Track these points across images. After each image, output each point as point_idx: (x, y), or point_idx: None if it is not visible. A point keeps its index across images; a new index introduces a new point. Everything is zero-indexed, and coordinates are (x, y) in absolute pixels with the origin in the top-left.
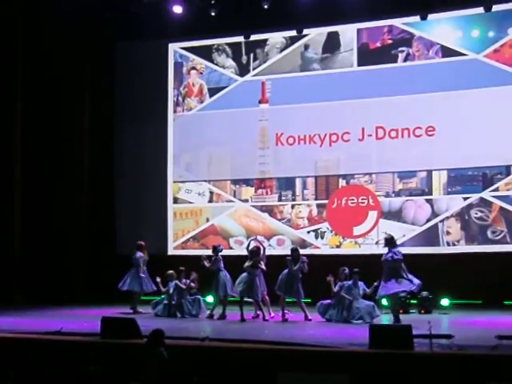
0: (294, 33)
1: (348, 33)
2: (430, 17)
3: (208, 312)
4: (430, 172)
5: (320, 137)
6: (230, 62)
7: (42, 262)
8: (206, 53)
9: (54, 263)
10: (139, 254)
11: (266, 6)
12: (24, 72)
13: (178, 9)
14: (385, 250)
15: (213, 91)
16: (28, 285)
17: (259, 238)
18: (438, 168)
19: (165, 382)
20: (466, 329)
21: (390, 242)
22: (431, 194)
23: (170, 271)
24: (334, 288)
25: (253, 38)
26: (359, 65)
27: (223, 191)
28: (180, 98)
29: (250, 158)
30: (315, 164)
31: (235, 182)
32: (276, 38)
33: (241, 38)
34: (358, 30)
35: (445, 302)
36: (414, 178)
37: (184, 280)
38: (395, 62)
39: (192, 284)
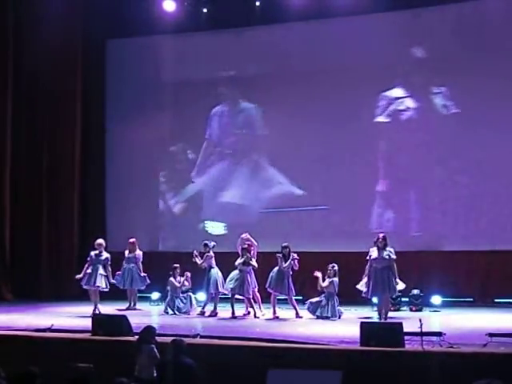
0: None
1: None
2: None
3: (199, 309)
4: None
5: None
6: None
7: (32, 259)
8: None
9: (45, 260)
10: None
11: (257, 3)
12: (15, 71)
13: (170, 6)
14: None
15: None
16: (19, 282)
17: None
18: None
19: (158, 379)
20: (457, 326)
21: (386, 241)
22: None
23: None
24: (323, 283)
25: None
26: None
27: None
28: None
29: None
30: None
31: None
32: None
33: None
34: None
35: (436, 299)
36: None
37: (178, 278)
38: None
39: (186, 283)
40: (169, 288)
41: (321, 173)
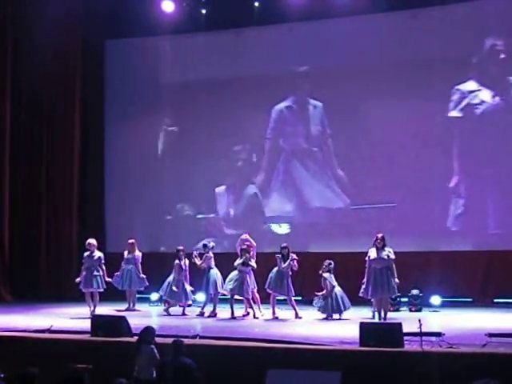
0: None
1: None
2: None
3: (198, 309)
4: None
5: None
6: None
7: (31, 260)
8: None
9: (44, 261)
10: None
11: (256, 4)
12: (13, 71)
13: (169, 6)
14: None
15: None
16: (18, 283)
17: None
18: None
19: (157, 380)
20: (457, 327)
21: (385, 241)
22: None
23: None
24: (323, 292)
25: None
26: None
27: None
28: None
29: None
30: None
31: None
32: None
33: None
34: None
35: (435, 299)
36: None
37: (184, 260)
38: None
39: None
40: (173, 272)
41: (392, 170)
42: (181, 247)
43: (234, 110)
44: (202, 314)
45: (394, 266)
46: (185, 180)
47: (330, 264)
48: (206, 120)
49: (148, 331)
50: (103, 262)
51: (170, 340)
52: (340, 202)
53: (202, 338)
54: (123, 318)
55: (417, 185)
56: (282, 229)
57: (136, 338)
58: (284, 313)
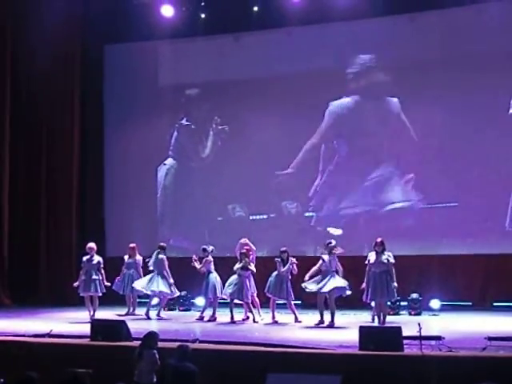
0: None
1: None
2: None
3: (198, 314)
4: None
5: None
6: None
7: (31, 265)
8: None
9: (44, 265)
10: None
11: (255, 8)
12: (13, 76)
13: (168, 11)
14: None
15: None
16: (17, 287)
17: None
18: None
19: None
20: (456, 330)
21: (384, 245)
22: None
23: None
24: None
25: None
26: None
27: None
28: None
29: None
30: None
31: None
32: None
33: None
34: None
35: (435, 303)
36: None
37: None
38: None
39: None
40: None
41: (453, 167)
42: (163, 243)
43: (234, 113)
44: (201, 319)
45: (393, 269)
46: (185, 183)
47: (329, 243)
48: (205, 123)
49: (151, 336)
50: (102, 266)
51: (169, 344)
52: (404, 197)
53: (201, 342)
54: (123, 322)
55: (481, 183)
56: (338, 231)
57: (136, 342)
58: (283, 317)
